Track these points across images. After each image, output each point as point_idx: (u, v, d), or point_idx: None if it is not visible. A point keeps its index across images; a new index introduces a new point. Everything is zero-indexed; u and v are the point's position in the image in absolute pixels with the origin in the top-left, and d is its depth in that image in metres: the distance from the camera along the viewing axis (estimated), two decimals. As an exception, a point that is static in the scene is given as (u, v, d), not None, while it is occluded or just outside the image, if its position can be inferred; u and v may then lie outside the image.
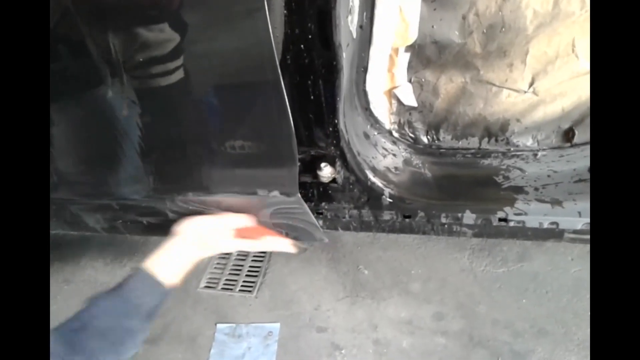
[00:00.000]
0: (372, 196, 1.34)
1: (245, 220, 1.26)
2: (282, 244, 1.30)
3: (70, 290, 2.72)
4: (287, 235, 1.37)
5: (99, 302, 1.03)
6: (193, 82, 1.06)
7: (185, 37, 0.98)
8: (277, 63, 0.92)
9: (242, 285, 2.55)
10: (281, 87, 0.96)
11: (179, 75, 1.04)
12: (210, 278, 2.63)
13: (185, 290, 2.55)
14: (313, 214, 1.30)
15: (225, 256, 2.75)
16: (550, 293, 2.19)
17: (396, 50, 1.23)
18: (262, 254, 2.71)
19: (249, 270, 2.64)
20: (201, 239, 1.20)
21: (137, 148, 1.20)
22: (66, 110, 1.20)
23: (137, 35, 0.99)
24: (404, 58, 1.26)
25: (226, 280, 2.61)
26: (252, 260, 2.70)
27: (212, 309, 2.45)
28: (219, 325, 2.34)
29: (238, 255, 2.75)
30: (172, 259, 1.14)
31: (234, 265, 2.70)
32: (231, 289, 2.53)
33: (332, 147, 1.22)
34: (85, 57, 1.06)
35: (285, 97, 0.97)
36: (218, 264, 2.71)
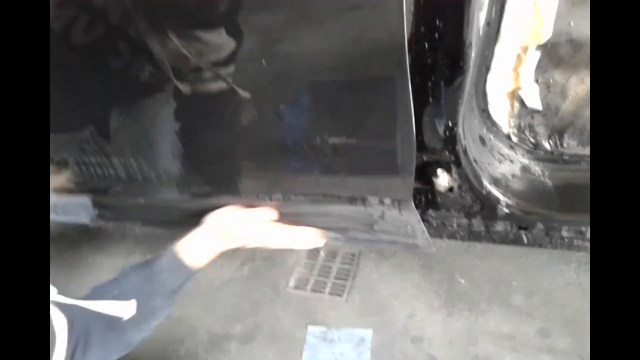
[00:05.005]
0: (486, 205, 1.25)
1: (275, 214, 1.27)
2: (308, 237, 1.29)
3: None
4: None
5: (129, 275, 1.14)
6: (302, 76, 1.03)
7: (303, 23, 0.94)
8: (407, 58, 0.86)
9: (331, 288, 2.52)
10: (408, 86, 0.90)
11: (286, 66, 1.01)
12: (298, 278, 2.63)
13: (275, 290, 2.57)
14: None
15: (313, 256, 2.74)
16: (674, 315, 1.98)
17: (525, 49, 1.13)
18: (351, 255, 2.67)
19: (337, 273, 2.61)
20: (228, 230, 1.24)
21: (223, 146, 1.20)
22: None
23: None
24: (534, 57, 1.16)
25: (315, 281, 2.59)
26: (340, 263, 2.67)
27: (302, 310, 2.44)
28: (310, 328, 2.32)
29: (326, 256, 2.73)
30: (198, 246, 1.20)
31: (322, 266, 2.68)
32: (321, 292, 2.51)
33: (447, 152, 1.15)
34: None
35: (411, 97, 0.91)
36: (305, 264, 2.71)
